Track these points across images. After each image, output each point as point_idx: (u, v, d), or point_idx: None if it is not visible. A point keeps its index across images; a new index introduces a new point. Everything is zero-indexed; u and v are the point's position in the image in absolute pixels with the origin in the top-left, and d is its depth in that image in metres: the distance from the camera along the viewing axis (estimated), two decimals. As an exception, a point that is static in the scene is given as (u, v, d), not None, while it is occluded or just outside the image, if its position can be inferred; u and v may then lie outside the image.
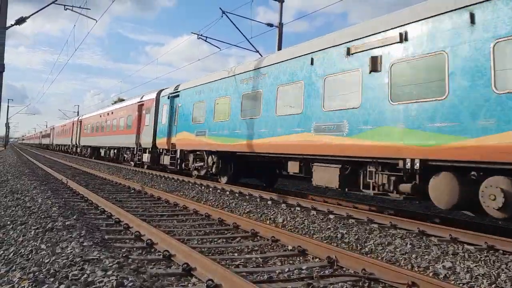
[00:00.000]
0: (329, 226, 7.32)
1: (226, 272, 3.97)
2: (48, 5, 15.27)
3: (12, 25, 14.15)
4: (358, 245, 6.23)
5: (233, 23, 17.86)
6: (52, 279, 3.84)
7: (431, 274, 4.86)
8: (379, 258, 5.56)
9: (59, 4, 15.36)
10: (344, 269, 4.95)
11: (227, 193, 11.97)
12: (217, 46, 20.19)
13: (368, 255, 5.64)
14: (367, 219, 8.06)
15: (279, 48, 18.45)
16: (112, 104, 63.47)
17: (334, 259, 5.09)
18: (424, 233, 6.97)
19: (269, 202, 10.16)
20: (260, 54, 18.15)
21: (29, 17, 14.51)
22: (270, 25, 18.60)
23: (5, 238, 5.92)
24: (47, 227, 5.94)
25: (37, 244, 5.10)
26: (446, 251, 5.77)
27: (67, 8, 16.07)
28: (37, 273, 4.07)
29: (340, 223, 7.59)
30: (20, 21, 14.30)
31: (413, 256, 5.54)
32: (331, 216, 8.24)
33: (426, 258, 5.44)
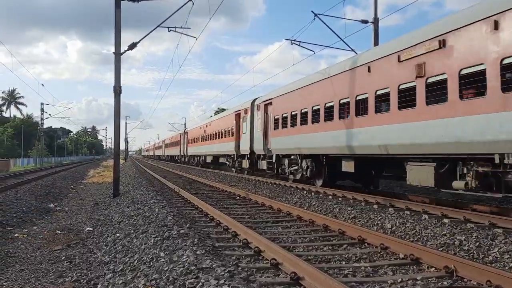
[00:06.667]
0: (444, 232, 6.77)
1: (336, 283, 3.89)
2: (155, 28, 16.59)
3: (125, 51, 15.75)
4: (480, 253, 5.66)
5: (327, 25, 17.68)
6: (171, 287, 4.14)
7: None
8: (507, 268, 4.99)
9: (164, 27, 16.67)
10: (465, 280, 4.54)
11: (330, 197, 11.78)
12: (311, 50, 20.15)
13: (493, 265, 5.10)
14: (489, 223, 7.30)
15: (375, 45, 17.70)
16: (215, 113, 67.59)
17: (453, 269, 4.69)
18: (561, 239, 6.08)
19: (375, 206, 9.75)
20: (356, 53, 17.61)
21: (139, 41, 16.01)
22: (365, 21, 17.93)
23: (130, 246, 6.56)
24: (164, 236, 6.43)
25: (157, 252, 5.54)
26: None
27: (170, 30, 17.35)
28: (158, 280, 4.43)
29: (457, 228, 6.97)
30: (132, 46, 15.84)
31: (550, 266, 4.86)
32: (446, 221, 7.61)
33: None
